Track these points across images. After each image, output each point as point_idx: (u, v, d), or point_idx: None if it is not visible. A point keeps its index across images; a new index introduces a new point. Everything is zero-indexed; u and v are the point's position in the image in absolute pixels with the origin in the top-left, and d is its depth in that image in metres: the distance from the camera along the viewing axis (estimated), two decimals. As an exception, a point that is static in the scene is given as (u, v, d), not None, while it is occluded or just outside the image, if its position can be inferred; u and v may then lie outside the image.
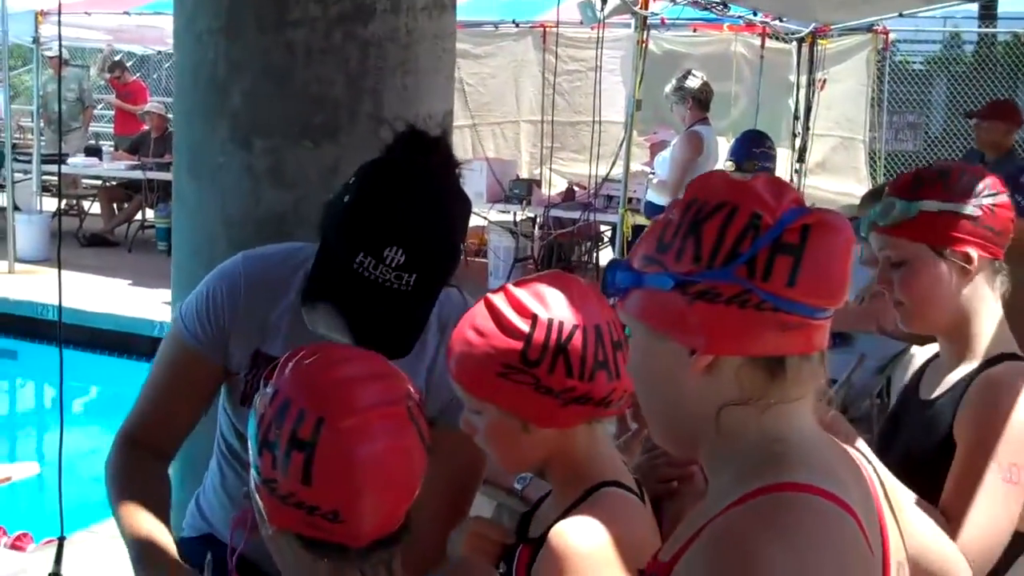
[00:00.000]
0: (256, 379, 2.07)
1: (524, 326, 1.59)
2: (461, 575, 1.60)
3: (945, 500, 1.91)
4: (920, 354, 2.28)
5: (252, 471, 1.46)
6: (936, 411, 2.03)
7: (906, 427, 2.12)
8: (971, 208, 1.96)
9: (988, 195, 1.98)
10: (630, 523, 1.61)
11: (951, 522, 1.86)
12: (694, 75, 7.24)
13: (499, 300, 1.63)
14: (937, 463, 1.96)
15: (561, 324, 1.59)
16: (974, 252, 1.97)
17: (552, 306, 1.61)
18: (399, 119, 2.58)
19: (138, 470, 2.09)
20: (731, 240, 1.19)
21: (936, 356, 2.17)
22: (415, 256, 1.82)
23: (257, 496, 1.46)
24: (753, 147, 4.82)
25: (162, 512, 2.04)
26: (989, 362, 1.99)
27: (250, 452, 1.46)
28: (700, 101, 7.10)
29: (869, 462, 1.39)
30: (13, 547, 4.92)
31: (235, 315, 2.08)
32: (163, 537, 1.99)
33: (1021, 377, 1.95)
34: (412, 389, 1.48)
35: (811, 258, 1.19)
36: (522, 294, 1.63)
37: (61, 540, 2.07)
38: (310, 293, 1.89)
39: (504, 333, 1.60)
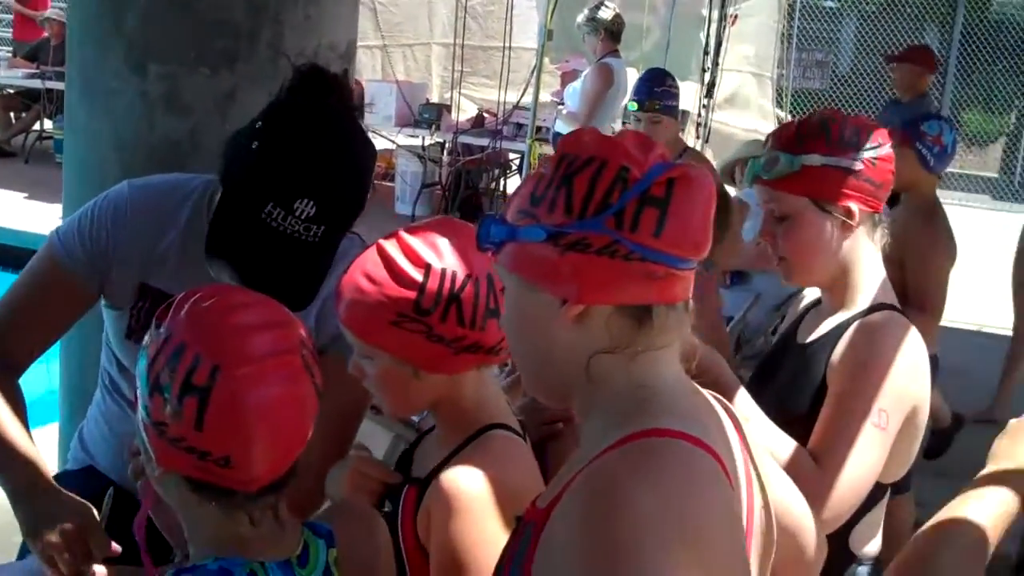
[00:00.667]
0: (142, 313, 2.04)
1: (417, 275, 1.60)
2: (342, 517, 1.61)
3: (814, 442, 1.94)
4: (808, 296, 2.32)
5: (140, 410, 1.44)
6: (809, 355, 2.06)
7: (781, 370, 2.15)
8: (853, 162, 1.99)
9: (870, 148, 2.00)
10: (515, 467, 1.64)
11: (821, 464, 1.91)
12: (607, 6, 7.21)
13: (392, 248, 1.63)
14: (811, 408, 2.00)
15: (454, 274, 1.60)
16: (855, 206, 2.00)
17: (445, 255, 1.61)
18: (300, 51, 2.55)
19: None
20: (600, 192, 1.23)
21: (818, 302, 2.21)
22: (325, 208, 1.80)
23: (144, 435, 1.44)
24: (655, 86, 4.82)
25: (24, 423, 1.99)
26: (868, 311, 2.03)
27: (138, 391, 1.45)
28: (612, 33, 7.07)
29: (728, 411, 1.42)
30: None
31: (119, 243, 2.03)
32: (41, 464, 1.95)
33: (897, 325, 1.99)
34: (305, 336, 1.48)
35: (676, 210, 1.23)
36: (415, 242, 1.63)
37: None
38: (214, 242, 1.85)
39: (397, 282, 1.60)
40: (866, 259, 2.06)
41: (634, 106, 4.88)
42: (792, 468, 1.82)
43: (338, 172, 1.83)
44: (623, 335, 1.26)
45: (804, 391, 2.04)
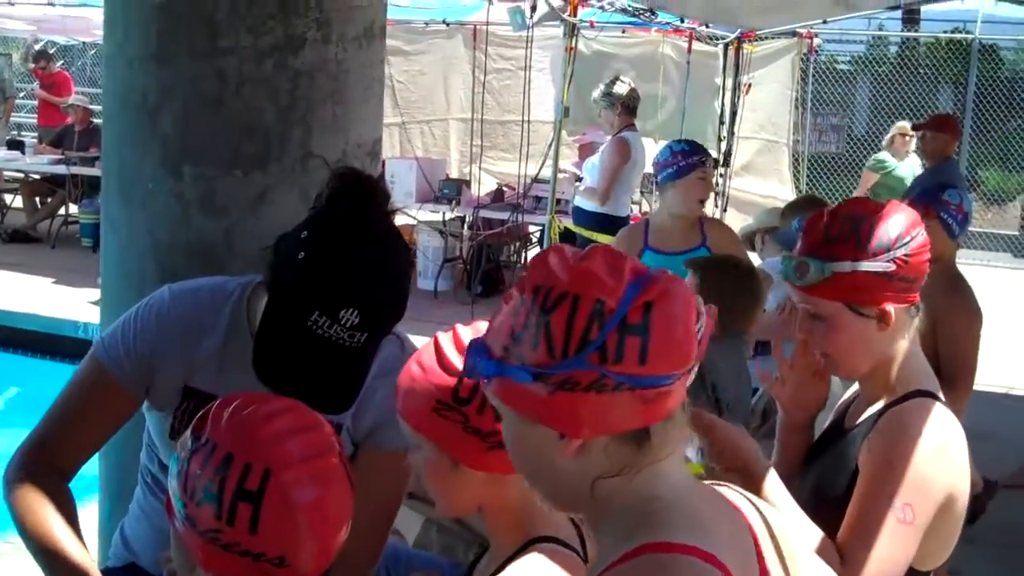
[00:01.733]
0: (186, 414, 2.10)
1: (459, 364, 1.61)
2: None
3: (841, 536, 1.95)
4: (848, 388, 2.33)
5: (180, 519, 1.49)
6: (848, 441, 2.08)
7: (825, 453, 2.17)
8: (885, 264, 1.98)
9: (901, 245, 1.99)
10: None
11: (845, 562, 1.91)
12: (622, 81, 7.32)
13: (444, 338, 1.68)
14: (845, 492, 2.00)
15: None
16: (891, 307, 2.00)
17: None
18: (329, 150, 2.62)
19: (45, 489, 2.07)
20: (579, 330, 1.23)
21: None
22: (369, 316, 1.86)
23: (186, 543, 1.49)
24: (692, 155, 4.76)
25: (76, 530, 2.05)
26: (904, 397, 2.03)
27: (175, 500, 1.50)
28: (628, 107, 7.17)
29: (754, 505, 1.44)
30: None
31: (162, 349, 2.10)
32: (85, 558, 2.01)
33: (924, 414, 1.99)
34: (334, 435, 1.56)
35: (657, 332, 1.24)
36: (465, 333, 1.68)
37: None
38: (262, 349, 1.91)
39: (442, 369, 1.64)
40: (903, 349, 2.07)
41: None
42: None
43: (381, 281, 1.89)
44: (624, 459, 1.28)
45: (839, 475, 2.05)
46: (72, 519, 2.06)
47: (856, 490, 1.97)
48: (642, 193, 10.03)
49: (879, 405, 2.07)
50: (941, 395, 2.07)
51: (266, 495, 1.44)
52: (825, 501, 2.03)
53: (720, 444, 1.95)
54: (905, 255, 1.99)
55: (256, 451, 1.46)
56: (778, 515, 1.50)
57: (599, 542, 1.34)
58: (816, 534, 1.94)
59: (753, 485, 1.91)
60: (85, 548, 2.04)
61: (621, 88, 7.20)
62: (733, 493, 1.44)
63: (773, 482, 1.98)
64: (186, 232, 2.65)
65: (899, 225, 2.01)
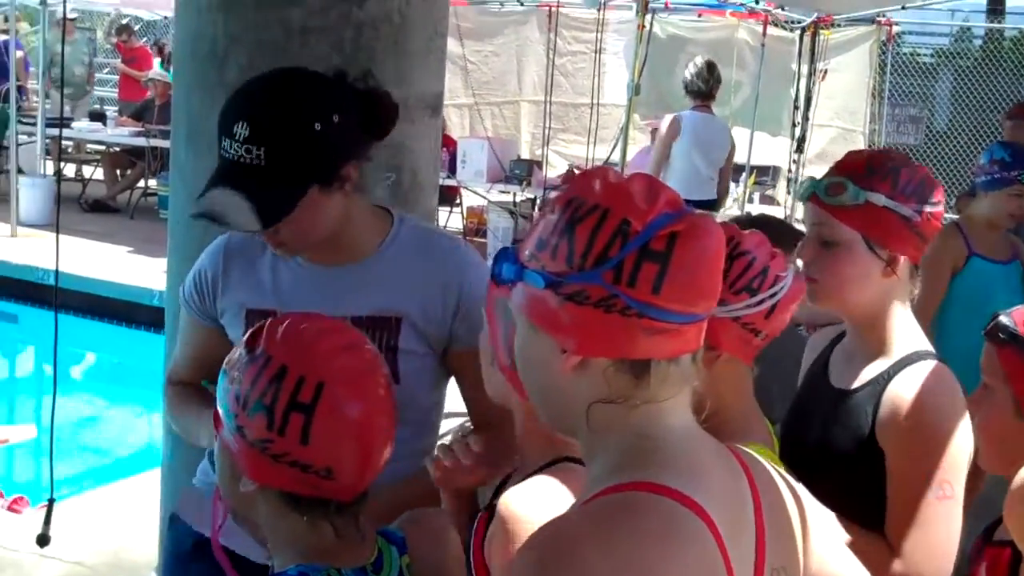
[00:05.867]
0: None
1: None
2: (414, 525, 1.69)
3: (888, 529, 1.94)
4: (820, 337, 2.29)
5: (230, 430, 1.53)
6: (854, 404, 2.03)
7: (820, 417, 2.12)
8: (912, 211, 1.98)
9: (930, 203, 2.00)
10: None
11: (898, 553, 1.91)
12: (694, 64, 7.31)
13: None
14: (858, 459, 1.99)
15: None
16: (902, 256, 2.00)
17: None
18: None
19: (187, 392, 2.30)
20: (600, 245, 1.22)
21: (839, 339, 2.18)
22: (258, 128, 1.91)
23: (233, 454, 1.54)
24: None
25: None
26: (907, 359, 2.01)
27: (226, 414, 1.55)
28: (690, 91, 7.20)
29: (778, 472, 1.43)
30: (10, 509, 5.01)
31: (218, 287, 2.22)
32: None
33: (940, 382, 1.98)
34: (380, 356, 1.61)
35: (677, 265, 1.22)
36: None
37: (51, 502, 2.15)
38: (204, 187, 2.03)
39: None
40: (900, 306, 2.06)
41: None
42: (870, 558, 1.83)
43: (270, 96, 1.98)
44: (621, 388, 1.25)
45: (847, 435, 2.02)
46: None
47: (891, 478, 1.95)
48: (734, 181, 9.91)
49: (879, 366, 2.03)
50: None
51: (318, 407, 1.48)
52: (832, 460, 2.02)
53: None
54: (930, 212, 2.00)
55: (310, 364, 1.50)
56: (803, 490, 1.48)
57: (589, 470, 1.32)
58: (864, 532, 1.93)
59: None
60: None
61: (689, 71, 7.23)
62: (749, 455, 1.41)
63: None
64: (249, 178, 2.70)
65: (932, 185, 2.03)
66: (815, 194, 2.04)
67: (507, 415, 1.76)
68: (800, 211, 9.85)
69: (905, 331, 2.06)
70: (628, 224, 1.22)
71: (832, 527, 1.68)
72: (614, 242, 1.21)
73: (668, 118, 7.29)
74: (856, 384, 2.06)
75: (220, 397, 1.56)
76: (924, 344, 2.06)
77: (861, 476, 1.98)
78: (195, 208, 1.97)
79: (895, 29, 11.74)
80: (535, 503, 1.57)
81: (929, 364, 2.00)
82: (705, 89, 7.19)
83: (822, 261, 2.04)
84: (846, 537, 1.71)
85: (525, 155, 11.49)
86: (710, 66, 7.27)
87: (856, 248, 2.01)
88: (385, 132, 2.10)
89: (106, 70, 16.55)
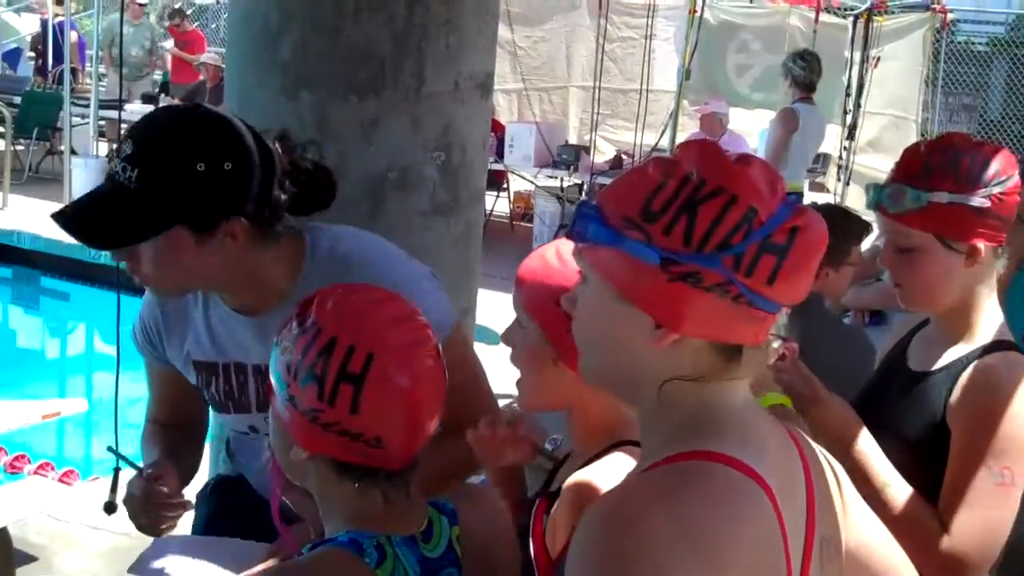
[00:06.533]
0: (211, 388, 2.20)
1: None
2: (465, 497, 1.70)
3: (942, 505, 1.93)
4: (902, 321, 2.28)
5: (282, 400, 1.55)
6: (929, 386, 2.03)
7: (891, 397, 2.12)
8: (981, 199, 1.94)
9: (998, 183, 1.95)
10: None
11: (948, 530, 1.90)
12: (799, 56, 7.33)
13: None
14: (930, 443, 1.98)
15: None
16: (981, 244, 1.96)
17: None
18: (440, 79, 2.67)
19: (157, 432, 2.32)
20: (725, 230, 1.20)
21: (922, 325, 2.17)
22: (141, 149, 1.85)
23: (285, 424, 1.55)
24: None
25: (169, 447, 2.23)
26: (986, 348, 1.99)
27: (278, 383, 1.56)
28: (797, 82, 7.20)
29: (815, 448, 1.43)
30: (61, 481, 5.10)
31: (161, 331, 2.23)
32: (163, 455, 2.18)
33: (1016, 371, 1.95)
34: (430, 327, 1.60)
35: (793, 260, 1.22)
36: None
37: (116, 471, 2.20)
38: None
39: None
40: (985, 292, 2.04)
41: None
42: (918, 531, 1.86)
43: (162, 125, 1.93)
44: (708, 367, 1.26)
45: (919, 422, 2.02)
46: (170, 444, 2.24)
47: (952, 455, 1.94)
48: (812, 170, 9.85)
49: (959, 351, 2.02)
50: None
51: (368, 377, 1.48)
52: (904, 444, 2.01)
53: (820, 417, 1.97)
54: (1001, 193, 1.95)
55: (360, 335, 1.51)
56: (836, 464, 1.48)
57: (647, 440, 1.32)
58: (914, 499, 1.94)
59: (852, 459, 1.93)
60: (171, 458, 2.18)
61: (793, 64, 7.26)
62: (798, 430, 1.42)
63: (866, 438, 1.98)
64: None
65: (997, 163, 1.98)
66: (880, 204, 2.01)
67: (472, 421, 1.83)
68: (850, 198, 9.82)
69: (989, 318, 2.03)
70: (755, 213, 1.21)
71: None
72: (739, 230, 1.20)
73: (780, 113, 7.33)
74: (935, 367, 2.04)
75: (272, 367, 1.58)
76: (1006, 333, 2.02)
77: (932, 458, 1.97)
78: (57, 211, 1.93)
79: (949, 16, 11.56)
80: (603, 483, 1.58)
81: (1010, 355, 1.97)
82: (815, 82, 7.22)
83: (903, 267, 2.03)
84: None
85: (573, 141, 11.46)
86: (817, 59, 7.31)
87: (932, 249, 1.98)
88: (313, 209, 2.02)
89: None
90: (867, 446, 1.99)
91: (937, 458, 1.96)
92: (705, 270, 1.20)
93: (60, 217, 1.89)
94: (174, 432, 2.29)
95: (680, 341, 1.23)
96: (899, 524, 1.65)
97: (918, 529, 1.88)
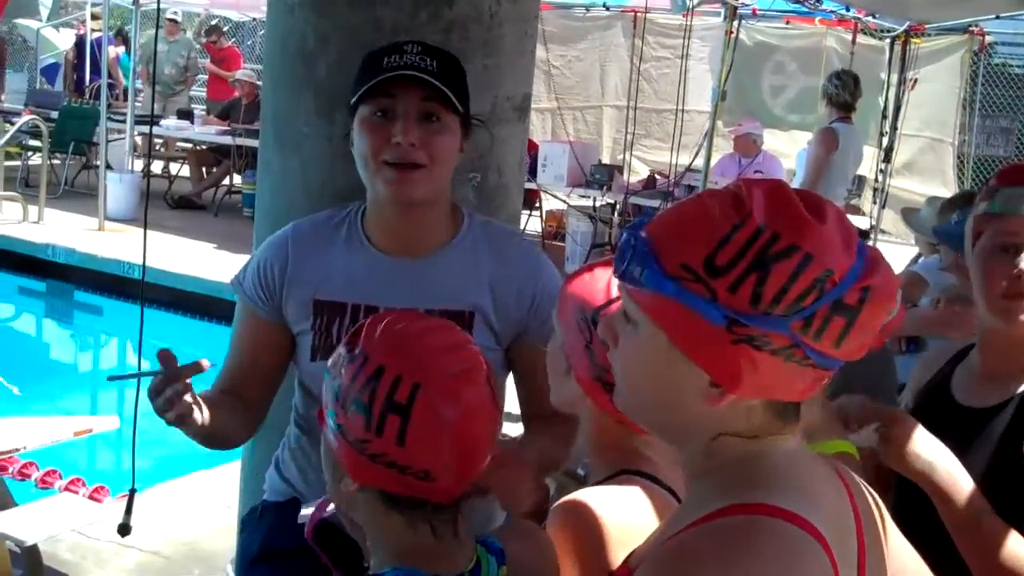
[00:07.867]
0: (322, 328, 2.19)
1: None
2: (512, 534, 1.65)
3: None
4: (938, 351, 2.20)
5: (331, 430, 1.52)
6: (988, 429, 1.94)
7: (938, 430, 1.95)
8: None
9: None
10: (633, 515, 1.57)
11: None
12: (839, 79, 7.28)
13: None
14: (986, 473, 1.88)
15: None
16: None
17: None
18: (477, 101, 2.64)
19: (209, 390, 2.22)
20: (796, 292, 1.13)
21: (962, 355, 2.09)
22: (428, 50, 2.10)
23: (335, 453, 1.52)
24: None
25: (215, 414, 2.07)
26: None
27: (329, 412, 1.53)
28: (834, 102, 7.17)
29: (863, 487, 1.38)
30: (91, 498, 5.09)
31: (288, 272, 2.23)
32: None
33: None
34: (482, 355, 1.56)
35: (862, 320, 1.16)
36: None
37: (132, 492, 2.16)
38: (359, 97, 2.12)
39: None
40: None
41: None
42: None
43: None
44: (764, 425, 1.22)
45: (978, 459, 1.91)
46: (221, 412, 2.10)
47: None
48: (849, 191, 9.78)
49: (1017, 387, 1.92)
50: None
51: (414, 408, 1.44)
52: (986, 488, 1.88)
53: (898, 444, 1.84)
54: None
55: (406, 365, 1.47)
56: (876, 496, 1.43)
57: (692, 488, 1.28)
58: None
59: (941, 479, 1.82)
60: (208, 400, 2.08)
61: (831, 84, 7.25)
62: (847, 470, 1.38)
63: (966, 481, 1.85)
64: (336, 176, 2.69)
65: None
66: (984, 213, 1.94)
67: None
68: (886, 221, 9.73)
69: None
70: (830, 274, 1.14)
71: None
72: (811, 292, 1.13)
73: (819, 132, 7.27)
74: (990, 404, 1.96)
75: (324, 395, 1.55)
76: None
77: (1006, 492, 1.86)
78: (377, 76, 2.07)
79: (987, 39, 11.47)
80: (579, 518, 1.54)
81: None
82: (852, 101, 7.17)
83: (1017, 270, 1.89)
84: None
85: (606, 160, 11.43)
86: (855, 79, 7.26)
87: None
88: None
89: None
90: (954, 466, 1.85)
91: (1013, 492, 1.86)
92: (773, 333, 1.13)
93: (401, 67, 2.07)
94: (228, 395, 2.24)
95: (737, 400, 1.18)
96: (1002, 556, 1.64)
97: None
